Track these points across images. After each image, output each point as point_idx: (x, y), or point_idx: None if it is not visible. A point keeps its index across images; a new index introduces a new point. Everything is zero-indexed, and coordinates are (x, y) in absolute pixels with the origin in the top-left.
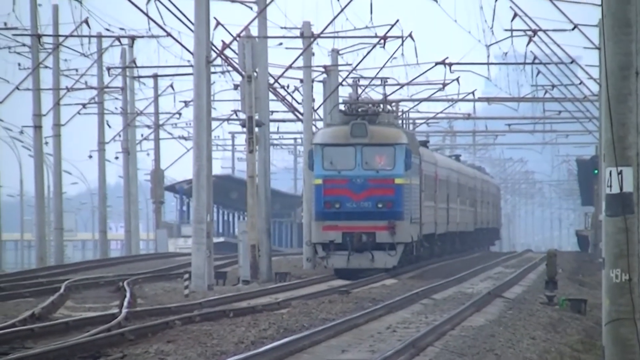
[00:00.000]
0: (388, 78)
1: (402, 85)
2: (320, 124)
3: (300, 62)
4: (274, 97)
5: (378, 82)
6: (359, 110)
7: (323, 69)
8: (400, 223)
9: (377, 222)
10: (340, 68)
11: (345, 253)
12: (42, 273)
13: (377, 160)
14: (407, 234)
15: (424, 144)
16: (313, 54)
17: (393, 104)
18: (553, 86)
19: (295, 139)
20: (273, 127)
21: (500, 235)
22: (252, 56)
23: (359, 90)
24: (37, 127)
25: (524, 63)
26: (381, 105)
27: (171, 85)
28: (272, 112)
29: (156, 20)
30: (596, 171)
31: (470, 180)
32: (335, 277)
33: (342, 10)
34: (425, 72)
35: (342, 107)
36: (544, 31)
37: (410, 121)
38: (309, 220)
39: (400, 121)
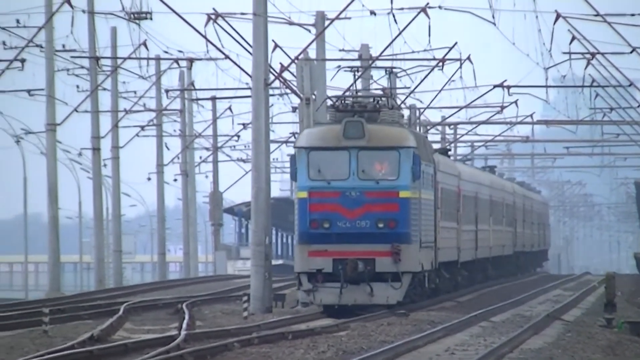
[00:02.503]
0: (393, 68)
1: (460, 108)
2: None
3: (358, 85)
4: None
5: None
6: (355, 105)
7: (381, 91)
8: (406, 247)
9: (377, 245)
10: (398, 90)
11: (337, 285)
12: (101, 295)
13: (377, 168)
14: (415, 261)
15: (444, 151)
16: (371, 76)
17: (400, 99)
18: (611, 109)
19: None
20: None
21: (548, 257)
22: (310, 78)
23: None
24: (96, 150)
25: (582, 86)
26: (382, 100)
27: (229, 108)
28: None
29: (214, 43)
30: None
31: (508, 196)
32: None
33: (400, 32)
34: (484, 94)
35: (332, 102)
36: (602, 54)
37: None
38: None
39: (417, 126)
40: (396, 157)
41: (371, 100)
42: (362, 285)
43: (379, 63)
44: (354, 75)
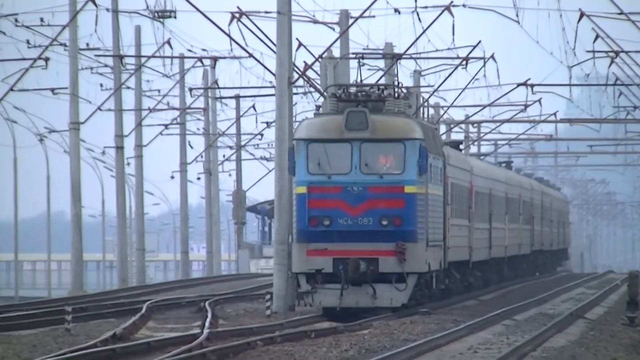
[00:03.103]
0: (394, 55)
1: (484, 107)
2: None
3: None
4: None
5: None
6: (359, 94)
7: (405, 90)
8: (412, 246)
9: (381, 244)
10: (422, 89)
11: (338, 287)
12: (124, 294)
13: (381, 162)
14: (421, 260)
15: (456, 145)
16: (396, 75)
17: (407, 88)
18: (635, 107)
19: None
20: None
21: (569, 256)
22: (334, 77)
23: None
24: (119, 148)
25: (606, 84)
26: (388, 89)
27: (253, 106)
28: None
29: (238, 42)
30: None
31: (525, 192)
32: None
33: (424, 31)
34: (507, 93)
35: (334, 91)
36: (626, 52)
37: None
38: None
39: (424, 117)
40: (401, 150)
41: (376, 89)
42: (364, 287)
43: (403, 62)
44: (359, 63)
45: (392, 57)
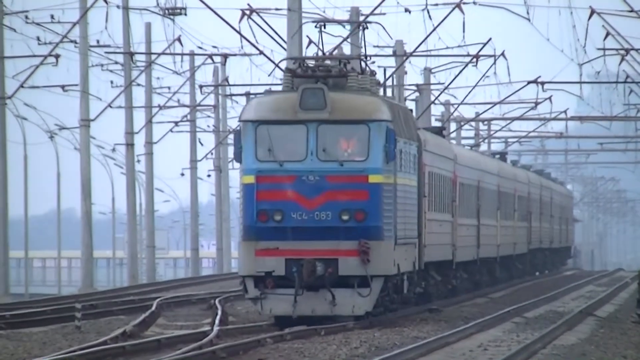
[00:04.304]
0: (359, 23)
1: (494, 104)
2: None
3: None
4: None
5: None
6: (317, 69)
7: (415, 88)
8: (377, 245)
9: (341, 243)
10: (432, 87)
11: (291, 292)
12: (134, 291)
13: (342, 147)
14: (387, 261)
15: (439, 130)
16: (406, 73)
17: (370, 61)
18: None
19: None
20: None
21: (572, 254)
22: None
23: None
24: (129, 145)
25: (617, 82)
26: (351, 65)
27: None
28: None
29: (249, 39)
30: None
31: (522, 186)
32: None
33: (434, 29)
34: (518, 90)
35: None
36: (637, 50)
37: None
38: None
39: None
40: (365, 133)
41: (338, 63)
42: (322, 292)
43: (413, 59)
44: (320, 31)
45: (358, 25)
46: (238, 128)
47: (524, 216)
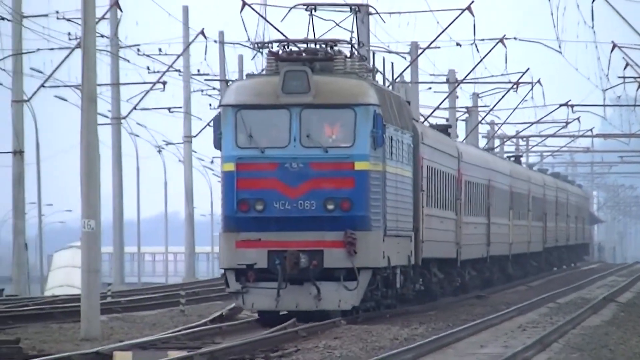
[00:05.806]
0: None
1: (531, 123)
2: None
3: (446, 104)
4: None
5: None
6: (302, 52)
7: (465, 110)
8: (364, 235)
9: (326, 233)
10: (479, 109)
11: (274, 286)
12: None
13: (327, 132)
14: (376, 253)
15: (443, 129)
16: (457, 97)
17: (358, 45)
18: None
19: None
20: None
21: (597, 249)
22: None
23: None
24: None
25: (635, 105)
26: (338, 48)
27: None
28: None
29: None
30: None
31: (537, 188)
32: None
33: (481, 60)
34: (551, 112)
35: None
36: None
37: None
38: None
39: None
40: (351, 118)
41: (323, 46)
42: (306, 286)
43: (463, 86)
44: (311, 14)
45: (350, 7)
46: (218, 114)
47: (539, 216)
